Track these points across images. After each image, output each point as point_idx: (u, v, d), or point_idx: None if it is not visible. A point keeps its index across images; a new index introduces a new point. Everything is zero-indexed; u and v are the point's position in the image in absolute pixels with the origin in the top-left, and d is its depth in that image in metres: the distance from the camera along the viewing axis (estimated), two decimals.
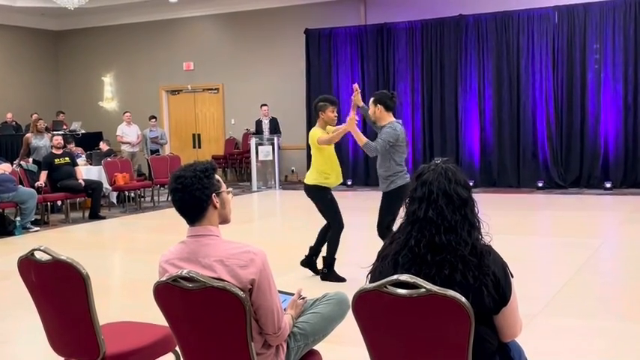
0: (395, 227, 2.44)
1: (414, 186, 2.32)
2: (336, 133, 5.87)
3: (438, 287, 2.05)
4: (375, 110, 5.62)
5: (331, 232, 5.93)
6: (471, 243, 2.21)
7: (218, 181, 2.62)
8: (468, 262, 2.18)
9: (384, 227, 5.63)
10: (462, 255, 2.18)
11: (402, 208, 2.37)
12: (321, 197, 5.94)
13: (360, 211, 8.69)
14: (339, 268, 5.88)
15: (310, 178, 5.99)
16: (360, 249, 6.98)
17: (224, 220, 2.66)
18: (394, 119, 5.67)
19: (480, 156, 13.11)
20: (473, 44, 13.02)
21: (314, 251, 6.10)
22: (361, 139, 5.63)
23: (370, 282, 2.26)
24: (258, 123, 14.16)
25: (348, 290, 2.69)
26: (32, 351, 4.51)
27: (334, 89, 14.17)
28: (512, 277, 2.28)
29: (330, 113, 5.92)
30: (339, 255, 5.91)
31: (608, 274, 6.32)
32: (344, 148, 13.34)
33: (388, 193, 5.65)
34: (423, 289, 2.04)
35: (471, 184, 2.37)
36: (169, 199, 2.71)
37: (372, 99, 5.70)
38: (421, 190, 2.27)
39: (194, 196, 2.54)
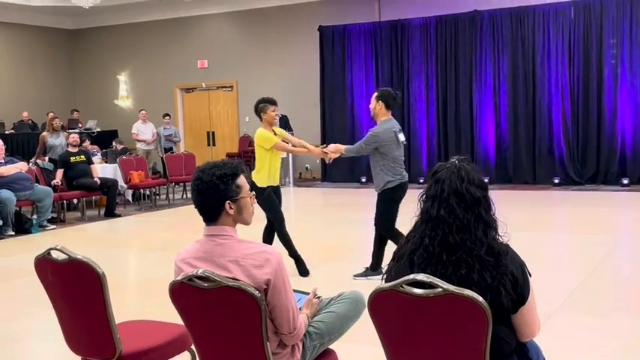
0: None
1: (429, 184, 2.31)
2: (297, 150, 6.23)
3: (454, 287, 2.03)
4: (376, 105, 5.63)
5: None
6: (487, 243, 2.19)
7: (238, 186, 2.56)
8: (485, 262, 2.16)
9: (381, 227, 5.64)
10: (478, 255, 2.16)
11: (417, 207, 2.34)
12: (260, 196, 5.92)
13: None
14: (354, 265, 5.84)
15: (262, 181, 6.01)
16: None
17: (242, 223, 2.64)
18: (388, 118, 5.62)
19: (495, 152, 13.02)
20: (488, 40, 12.92)
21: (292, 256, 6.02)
22: (340, 149, 5.77)
23: (386, 281, 2.24)
24: None
25: (364, 289, 2.68)
26: (49, 349, 4.53)
27: (348, 86, 14.14)
28: (530, 275, 2.26)
29: (272, 112, 6.04)
30: (349, 249, 5.88)
31: (625, 272, 6.26)
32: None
33: (379, 195, 5.64)
34: (440, 289, 2.02)
35: (486, 180, 2.33)
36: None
37: (375, 94, 5.70)
38: (434, 188, 2.26)
39: (207, 201, 2.54)
